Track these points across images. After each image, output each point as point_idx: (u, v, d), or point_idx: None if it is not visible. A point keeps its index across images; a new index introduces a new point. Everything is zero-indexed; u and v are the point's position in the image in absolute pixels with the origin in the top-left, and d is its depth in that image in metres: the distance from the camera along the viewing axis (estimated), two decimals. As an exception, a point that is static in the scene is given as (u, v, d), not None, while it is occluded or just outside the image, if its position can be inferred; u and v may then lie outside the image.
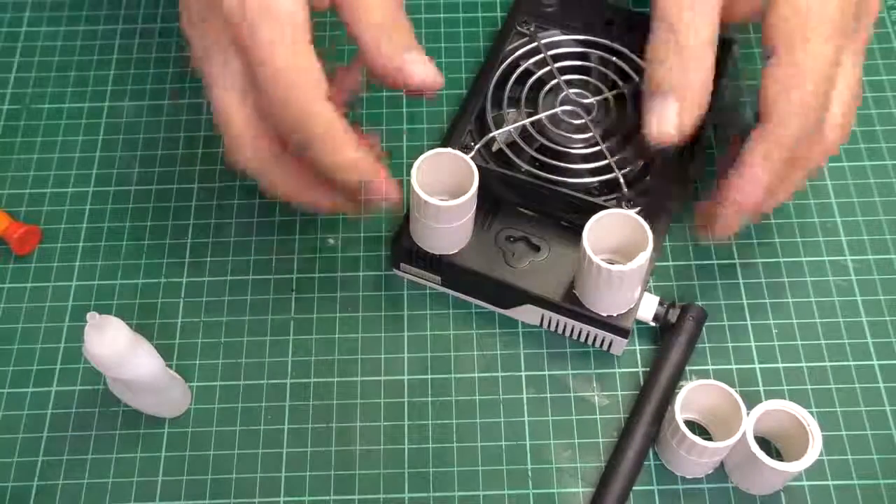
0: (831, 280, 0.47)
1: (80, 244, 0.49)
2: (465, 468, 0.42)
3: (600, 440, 0.43)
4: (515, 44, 0.49)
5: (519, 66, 0.48)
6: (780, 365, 0.45)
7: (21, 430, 0.44)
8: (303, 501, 0.42)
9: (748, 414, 0.39)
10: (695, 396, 0.40)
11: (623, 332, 0.43)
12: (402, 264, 0.46)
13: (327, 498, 0.42)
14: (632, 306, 0.42)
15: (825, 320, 0.46)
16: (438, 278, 0.46)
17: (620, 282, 0.40)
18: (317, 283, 0.48)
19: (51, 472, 0.43)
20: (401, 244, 0.45)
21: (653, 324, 0.44)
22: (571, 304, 0.43)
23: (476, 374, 0.45)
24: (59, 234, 0.49)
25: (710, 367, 0.45)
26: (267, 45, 0.36)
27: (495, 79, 0.47)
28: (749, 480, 0.41)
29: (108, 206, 0.50)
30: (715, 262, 0.47)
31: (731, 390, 0.39)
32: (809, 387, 0.44)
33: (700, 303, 0.46)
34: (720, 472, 0.42)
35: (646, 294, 0.43)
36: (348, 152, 0.38)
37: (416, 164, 0.41)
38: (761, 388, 0.44)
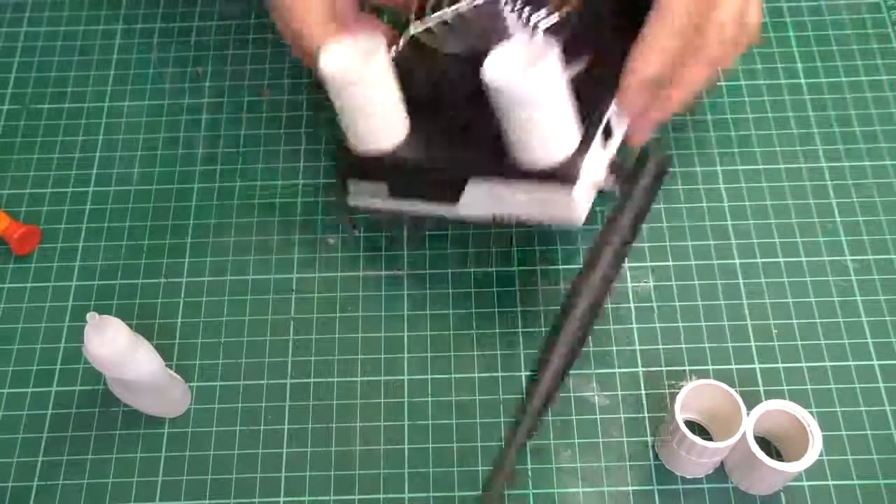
0: (831, 280, 0.47)
1: (80, 244, 0.49)
2: (465, 468, 0.42)
3: (600, 440, 0.43)
4: None
5: None
6: (780, 365, 0.45)
7: (21, 430, 0.44)
8: (303, 501, 0.42)
9: (748, 414, 0.39)
10: (695, 396, 0.40)
11: (570, 179, 0.40)
12: (350, 186, 0.45)
13: (327, 498, 0.42)
14: (569, 152, 0.40)
15: (825, 320, 0.46)
16: (385, 187, 0.44)
17: (527, 104, 0.38)
18: (317, 283, 0.48)
19: (51, 472, 0.43)
20: (343, 156, 0.44)
21: (605, 187, 0.42)
22: (507, 163, 0.41)
23: (476, 375, 0.45)
24: (59, 234, 0.49)
25: (710, 367, 0.45)
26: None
27: None
28: (749, 480, 0.41)
29: (108, 206, 0.50)
30: (715, 262, 0.47)
31: (731, 390, 0.39)
32: (809, 387, 0.44)
33: (700, 303, 0.46)
34: (720, 472, 0.42)
35: (595, 146, 0.41)
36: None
37: (323, 50, 0.41)
38: (761, 388, 0.44)
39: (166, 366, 0.41)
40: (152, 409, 0.43)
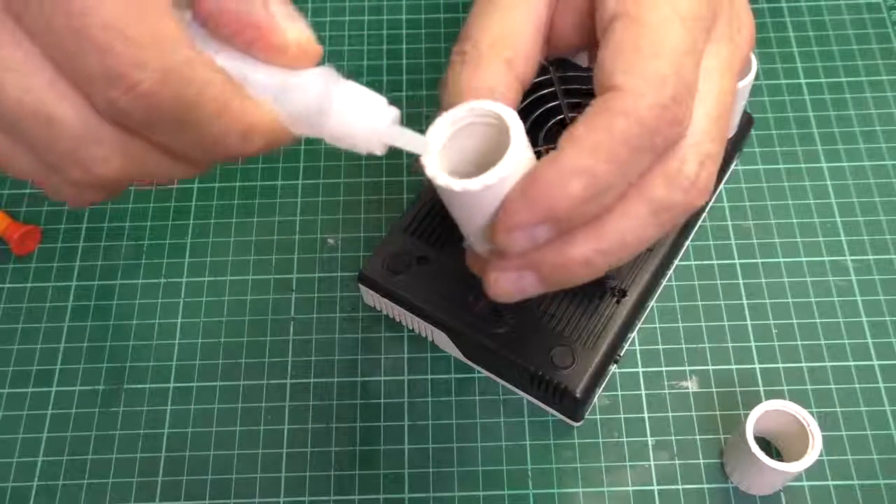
0: (831, 280, 0.47)
1: (80, 244, 0.49)
2: (465, 468, 0.42)
3: (600, 440, 0.43)
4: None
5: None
6: (780, 365, 0.45)
7: (21, 431, 0.44)
8: (303, 501, 0.42)
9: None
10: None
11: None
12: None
13: (327, 498, 0.42)
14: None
15: (825, 320, 0.46)
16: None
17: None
18: (317, 283, 0.48)
19: (51, 472, 0.43)
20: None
21: None
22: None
23: (476, 375, 0.45)
24: (59, 234, 0.49)
25: (710, 367, 0.44)
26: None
27: None
28: (749, 480, 0.41)
29: (108, 206, 0.50)
30: (715, 262, 0.47)
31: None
32: (809, 387, 0.44)
33: (700, 303, 0.46)
34: (720, 472, 0.42)
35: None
36: (253, 113, 0.25)
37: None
38: (761, 388, 0.44)
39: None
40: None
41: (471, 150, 0.30)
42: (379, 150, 0.28)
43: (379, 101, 0.28)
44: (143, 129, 0.24)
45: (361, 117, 0.27)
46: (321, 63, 0.27)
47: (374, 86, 0.55)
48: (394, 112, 0.28)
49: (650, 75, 0.27)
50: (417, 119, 0.52)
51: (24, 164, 0.25)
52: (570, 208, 0.26)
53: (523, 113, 0.43)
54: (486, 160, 0.28)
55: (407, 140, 0.28)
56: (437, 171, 0.28)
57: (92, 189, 0.26)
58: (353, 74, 0.55)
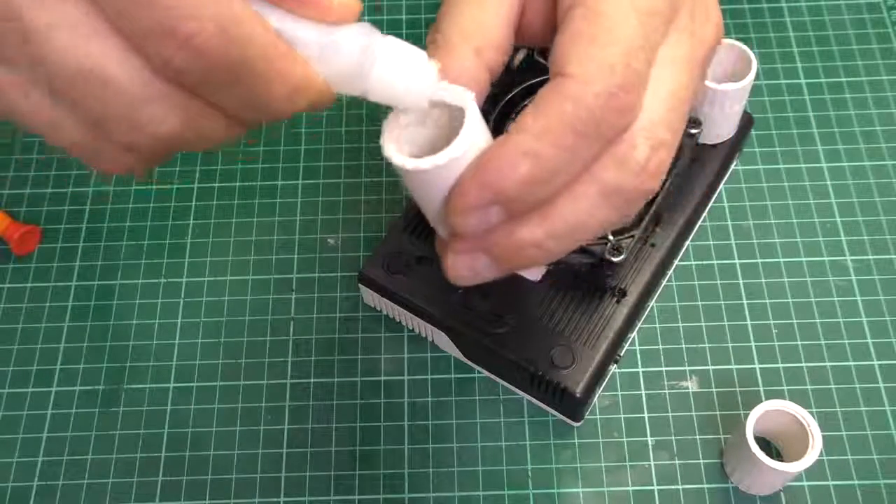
0: (831, 280, 0.47)
1: (80, 244, 0.49)
2: (465, 468, 0.42)
3: (600, 440, 0.43)
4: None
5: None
6: (780, 365, 0.45)
7: (21, 430, 0.44)
8: (303, 501, 0.42)
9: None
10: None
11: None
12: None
13: (327, 498, 0.42)
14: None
15: (825, 320, 0.46)
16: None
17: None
18: (317, 283, 0.48)
19: (51, 472, 0.43)
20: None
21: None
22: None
23: (476, 374, 0.45)
24: (59, 234, 0.49)
25: (710, 367, 0.44)
26: None
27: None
28: (749, 480, 0.41)
29: (108, 206, 0.50)
30: (715, 262, 0.47)
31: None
32: (809, 387, 0.44)
33: (700, 303, 0.46)
34: (720, 472, 0.42)
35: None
36: (298, 68, 0.25)
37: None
38: (761, 388, 0.44)
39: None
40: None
41: (438, 134, 0.30)
42: (422, 105, 0.28)
43: (420, 56, 0.28)
44: (196, 87, 0.24)
45: (404, 73, 0.27)
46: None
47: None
48: (434, 67, 0.28)
49: (600, 63, 0.27)
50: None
51: (72, 130, 0.25)
52: (518, 189, 0.27)
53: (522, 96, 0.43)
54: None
55: (449, 94, 0.28)
56: (393, 151, 0.28)
57: (141, 153, 0.26)
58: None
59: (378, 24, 0.58)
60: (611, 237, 0.40)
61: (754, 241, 0.48)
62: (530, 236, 0.28)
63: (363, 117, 0.53)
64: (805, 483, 0.42)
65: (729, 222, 0.48)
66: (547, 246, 0.29)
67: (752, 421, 0.39)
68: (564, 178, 0.28)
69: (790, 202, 0.49)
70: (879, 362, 0.45)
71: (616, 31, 0.28)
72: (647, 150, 0.28)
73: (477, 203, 0.27)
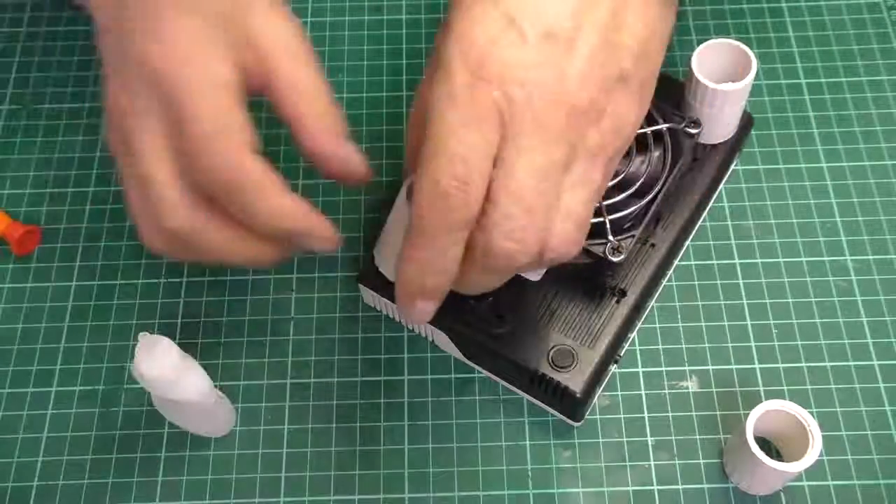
0: (831, 280, 0.47)
1: (80, 244, 0.49)
2: (465, 468, 0.42)
3: (600, 440, 0.43)
4: None
5: None
6: (780, 365, 0.45)
7: (21, 431, 0.44)
8: (303, 501, 0.42)
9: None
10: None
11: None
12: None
13: (327, 498, 0.42)
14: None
15: (825, 320, 0.46)
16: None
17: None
18: (316, 284, 0.48)
19: (50, 472, 0.43)
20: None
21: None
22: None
23: (476, 375, 0.45)
24: (59, 234, 0.49)
25: (710, 367, 0.44)
26: (199, 106, 0.35)
27: None
28: (749, 480, 0.41)
29: (108, 206, 0.50)
30: (715, 262, 0.47)
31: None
32: (809, 387, 0.44)
33: (700, 303, 0.46)
34: (720, 472, 0.42)
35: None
36: (281, 200, 0.36)
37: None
38: (761, 388, 0.44)
39: (214, 386, 0.41)
40: (198, 428, 0.43)
41: None
42: None
43: None
44: (219, 198, 0.36)
45: None
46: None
47: (374, 86, 0.55)
48: None
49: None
50: (417, 119, 0.52)
51: (136, 203, 0.37)
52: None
53: None
54: None
55: None
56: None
57: (163, 237, 0.37)
58: (353, 74, 0.55)
59: (378, 24, 0.58)
60: (611, 237, 0.40)
61: (754, 241, 0.48)
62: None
63: (362, 118, 0.53)
64: (805, 483, 0.42)
65: (729, 222, 0.48)
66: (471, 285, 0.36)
67: (752, 421, 0.39)
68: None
69: (790, 202, 0.49)
70: (879, 362, 0.45)
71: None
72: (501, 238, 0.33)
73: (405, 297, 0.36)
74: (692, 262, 0.47)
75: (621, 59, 0.34)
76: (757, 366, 0.45)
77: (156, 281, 0.48)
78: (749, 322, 0.46)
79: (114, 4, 0.38)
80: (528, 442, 0.43)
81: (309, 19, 0.57)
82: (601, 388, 0.43)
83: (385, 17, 0.57)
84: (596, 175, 0.35)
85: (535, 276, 0.43)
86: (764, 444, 0.42)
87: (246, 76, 0.37)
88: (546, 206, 0.33)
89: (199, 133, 0.35)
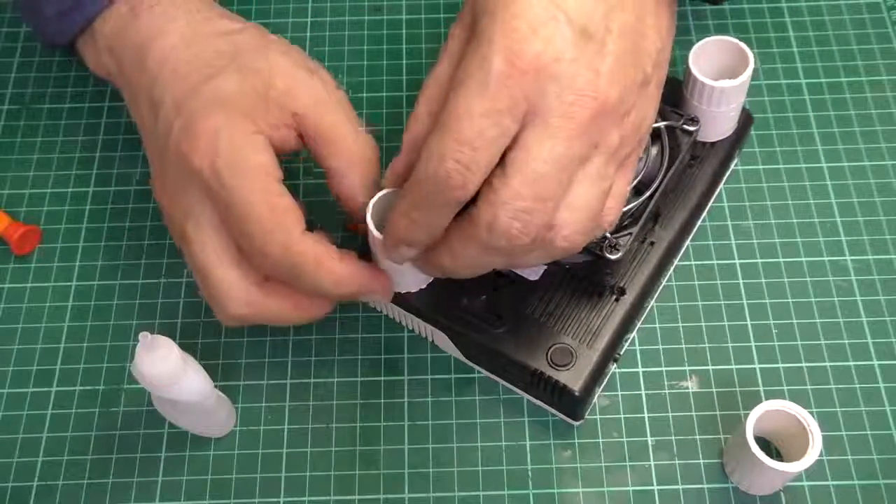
0: (831, 280, 0.47)
1: (80, 244, 0.49)
2: (465, 468, 0.42)
3: (600, 440, 0.43)
4: None
5: None
6: (780, 365, 0.45)
7: (21, 431, 0.44)
8: (303, 501, 0.42)
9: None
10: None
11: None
12: None
13: (327, 498, 0.42)
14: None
15: (825, 320, 0.46)
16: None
17: None
18: (317, 283, 0.47)
19: (51, 472, 0.43)
20: None
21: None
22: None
23: (476, 375, 0.45)
24: (59, 234, 0.49)
25: (710, 367, 0.44)
26: (242, 197, 0.37)
27: None
28: (749, 480, 0.41)
29: (108, 206, 0.50)
30: (715, 262, 0.47)
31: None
32: (809, 387, 0.44)
33: (700, 303, 0.46)
34: (720, 472, 0.42)
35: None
36: (340, 269, 0.38)
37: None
38: (761, 388, 0.44)
39: (214, 386, 0.41)
40: (198, 428, 0.43)
41: None
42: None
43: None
44: (280, 278, 0.39)
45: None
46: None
47: (374, 86, 0.55)
48: None
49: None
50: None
51: (199, 285, 0.40)
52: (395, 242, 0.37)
53: None
54: None
55: None
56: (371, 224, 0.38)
57: (229, 318, 0.40)
58: (353, 74, 0.55)
59: (378, 24, 0.58)
60: (608, 234, 0.40)
61: (754, 241, 0.48)
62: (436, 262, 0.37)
63: (362, 118, 0.53)
64: (805, 483, 0.42)
65: (729, 222, 0.48)
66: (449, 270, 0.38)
67: (752, 421, 0.39)
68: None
69: (790, 202, 0.49)
70: (879, 362, 0.45)
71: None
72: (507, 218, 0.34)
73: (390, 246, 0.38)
74: (692, 262, 0.47)
75: (645, 63, 0.36)
76: (757, 366, 0.45)
77: (156, 281, 0.48)
78: (749, 322, 0.46)
79: (147, 106, 0.41)
80: (528, 442, 0.43)
81: (309, 19, 0.57)
82: (601, 388, 0.43)
83: (385, 17, 0.57)
84: (610, 171, 0.35)
85: (533, 275, 0.43)
86: (764, 444, 0.42)
87: (283, 139, 0.39)
88: (557, 195, 0.34)
89: (254, 228, 0.37)
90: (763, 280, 0.47)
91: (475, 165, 0.33)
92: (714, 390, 0.44)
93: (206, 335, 0.46)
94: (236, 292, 0.39)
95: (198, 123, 0.38)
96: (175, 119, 0.39)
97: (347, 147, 0.40)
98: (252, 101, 0.39)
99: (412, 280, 0.42)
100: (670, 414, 0.43)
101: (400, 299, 0.43)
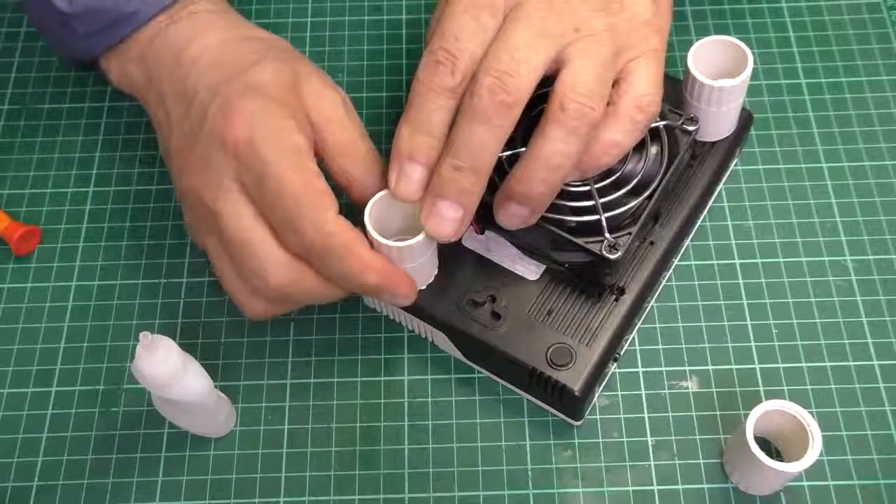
0: (831, 280, 0.47)
1: (80, 244, 0.49)
2: (465, 468, 0.42)
3: (600, 440, 0.43)
4: None
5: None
6: (780, 365, 0.45)
7: (21, 431, 0.44)
8: (303, 501, 0.42)
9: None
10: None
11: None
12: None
13: (327, 498, 0.42)
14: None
15: (825, 320, 0.46)
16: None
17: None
18: (317, 283, 0.47)
19: (51, 472, 0.43)
20: None
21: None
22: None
23: (476, 375, 0.45)
24: (59, 234, 0.49)
25: (710, 367, 0.45)
26: (278, 172, 0.38)
27: None
28: (749, 480, 0.41)
29: (108, 206, 0.50)
30: (715, 262, 0.47)
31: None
32: (809, 387, 0.44)
33: (700, 303, 0.46)
34: (720, 472, 0.42)
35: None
36: (367, 258, 0.39)
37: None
38: (761, 388, 0.44)
39: (214, 386, 0.41)
40: (198, 428, 0.43)
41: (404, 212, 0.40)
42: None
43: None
44: (307, 258, 0.39)
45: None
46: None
47: (374, 86, 0.55)
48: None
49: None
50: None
51: (230, 275, 0.40)
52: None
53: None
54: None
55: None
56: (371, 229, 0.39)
57: (263, 298, 0.40)
58: (353, 74, 0.55)
59: (378, 24, 0.58)
60: (607, 234, 0.40)
61: (754, 241, 0.48)
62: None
63: (362, 118, 0.53)
64: (805, 483, 0.42)
65: (729, 222, 0.48)
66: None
67: (752, 421, 0.39)
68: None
69: (790, 202, 0.49)
70: (879, 362, 0.45)
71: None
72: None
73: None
74: (692, 262, 0.47)
75: None
76: (757, 366, 0.45)
77: (156, 281, 0.48)
78: (749, 322, 0.46)
79: (176, 99, 0.42)
80: (528, 442, 0.43)
81: (309, 19, 0.57)
82: (601, 388, 0.43)
83: (385, 17, 0.57)
84: (591, 49, 0.38)
85: (532, 274, 0.43)
86: (764, 444, 0.42)
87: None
88: (526, 64, 0.37)
89: (289, 204, 0.38)
90: (763, 280, 0.47)
91: (460, 54, 0.38)
92: (714, 390, 0.44)
93: (206, 335, 0.46)
94: (276, 259, 0.39)
95: (235, 103, 0.39)
96: (211, 103, 0.40)
97: (369, 161, 0.41)
98: (285, 93, 0.40)
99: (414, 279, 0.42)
100: (670, 414, 0.43)
101: None
